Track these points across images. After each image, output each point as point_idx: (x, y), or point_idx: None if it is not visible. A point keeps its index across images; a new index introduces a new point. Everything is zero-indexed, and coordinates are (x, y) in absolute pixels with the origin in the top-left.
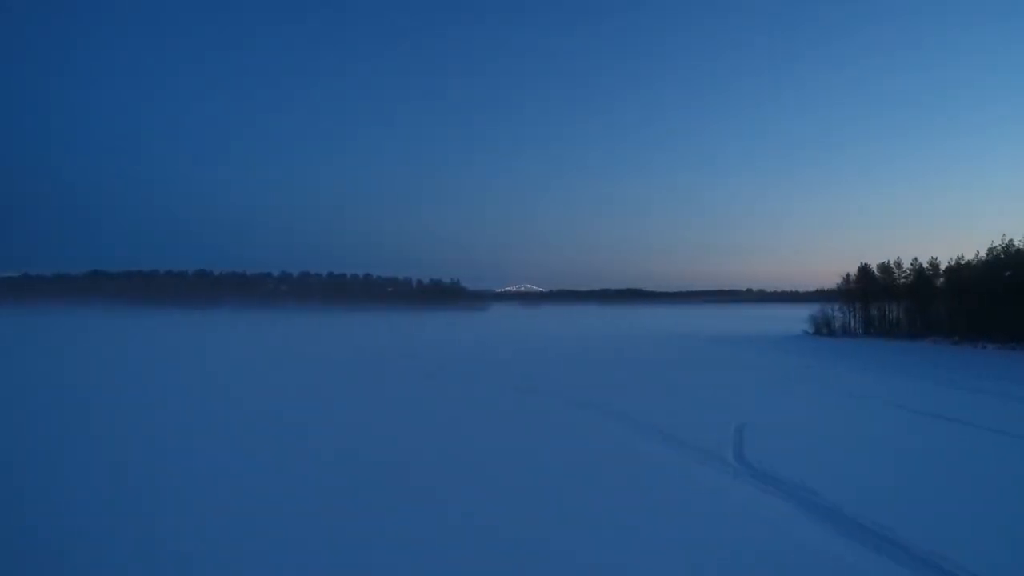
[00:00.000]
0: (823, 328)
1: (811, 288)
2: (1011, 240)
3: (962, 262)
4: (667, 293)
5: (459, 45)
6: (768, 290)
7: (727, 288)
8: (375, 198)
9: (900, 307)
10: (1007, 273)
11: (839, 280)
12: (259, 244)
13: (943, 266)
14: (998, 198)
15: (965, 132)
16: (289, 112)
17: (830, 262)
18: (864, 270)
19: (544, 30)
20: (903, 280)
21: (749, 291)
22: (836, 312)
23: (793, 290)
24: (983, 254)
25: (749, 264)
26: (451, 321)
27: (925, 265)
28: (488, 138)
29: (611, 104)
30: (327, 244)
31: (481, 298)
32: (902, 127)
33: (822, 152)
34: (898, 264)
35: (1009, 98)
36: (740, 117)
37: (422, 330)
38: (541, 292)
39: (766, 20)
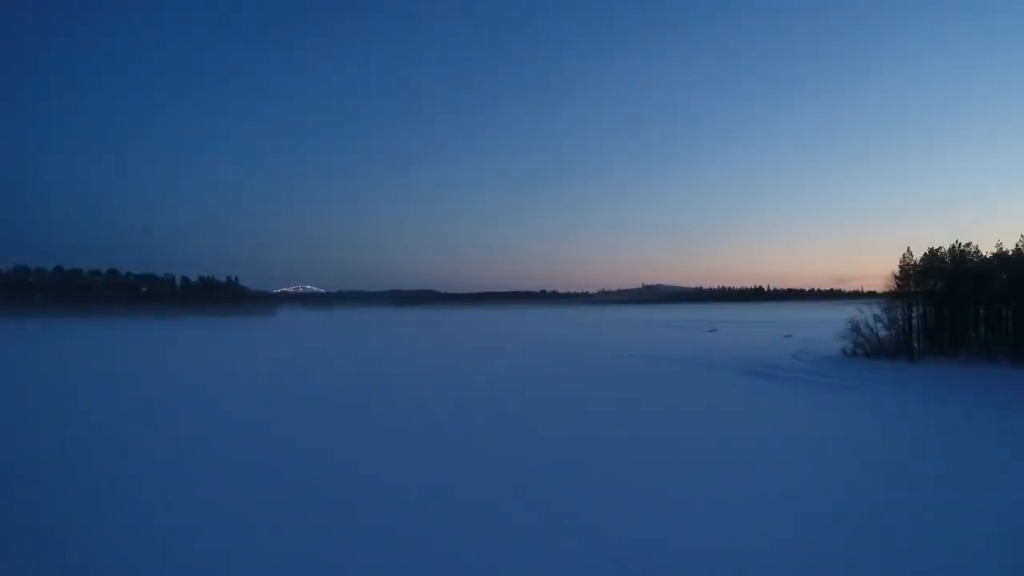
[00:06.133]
0: (865, 345)
1: (595, 289)
2: None
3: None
4: (463, 295)
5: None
6: (561, 291)
7: (522, 290)
8: (126, 179)
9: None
10: None
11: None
12: None
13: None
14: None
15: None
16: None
17: (616, 264)
18: (931, 258)
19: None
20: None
21: (543, 292)
22: (876, 321)
23: (583, 291)
24: None
25: (535, 266)
26: (246, 334)
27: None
28: (259, 131)
29: (406, 100)
30: (56, 232)
31: (267, 300)
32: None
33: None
34: (966, 248)
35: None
36: (536, 120)
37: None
38: (325, 293)
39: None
